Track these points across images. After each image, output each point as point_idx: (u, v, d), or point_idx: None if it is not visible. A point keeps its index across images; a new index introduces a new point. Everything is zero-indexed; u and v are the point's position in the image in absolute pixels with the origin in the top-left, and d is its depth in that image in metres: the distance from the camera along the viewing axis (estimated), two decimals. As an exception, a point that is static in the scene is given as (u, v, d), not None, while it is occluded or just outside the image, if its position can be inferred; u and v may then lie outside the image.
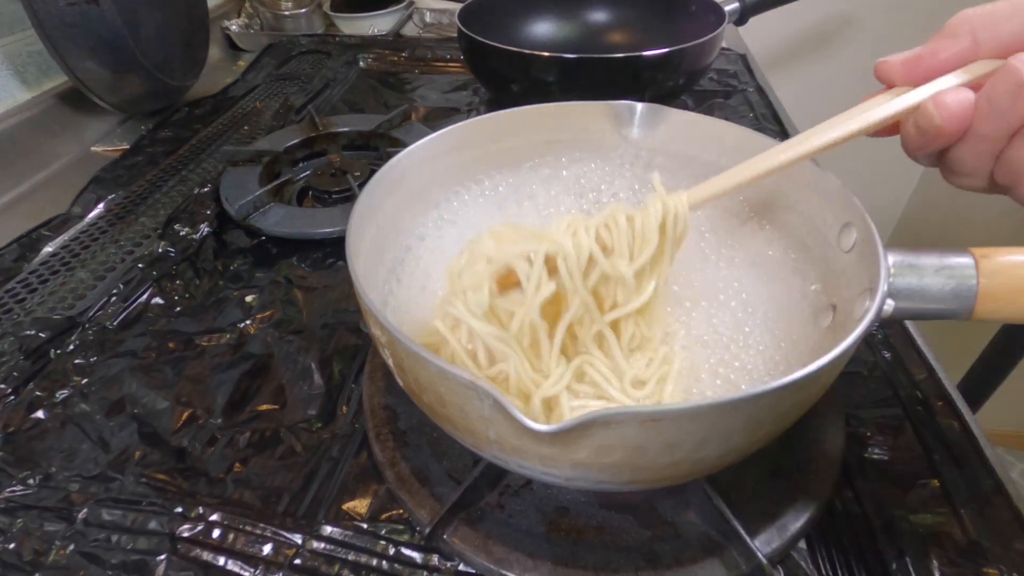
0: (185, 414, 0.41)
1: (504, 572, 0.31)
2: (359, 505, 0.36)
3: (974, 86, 0.28)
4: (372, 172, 0.48)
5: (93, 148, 0.75)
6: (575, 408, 0.30)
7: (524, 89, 0.69)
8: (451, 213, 0.43)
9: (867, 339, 0.45)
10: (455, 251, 0.40)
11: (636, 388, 0.32)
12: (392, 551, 0.33)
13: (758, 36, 0.98)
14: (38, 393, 0.43)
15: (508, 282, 0.31)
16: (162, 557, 0.33)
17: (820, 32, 1.29)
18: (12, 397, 0.42)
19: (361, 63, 0.95)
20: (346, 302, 0.50)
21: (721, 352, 0.37)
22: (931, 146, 0.29)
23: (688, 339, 0.37)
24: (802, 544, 0.33)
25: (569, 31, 0.87)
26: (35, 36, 0.65)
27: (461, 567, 0.32)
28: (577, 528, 0.33)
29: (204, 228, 0.58)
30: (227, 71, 0.96)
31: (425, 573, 0.32)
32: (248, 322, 0.48)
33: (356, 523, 0.34)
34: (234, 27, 1.05)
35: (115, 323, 0.48)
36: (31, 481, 0.37)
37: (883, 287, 0.27)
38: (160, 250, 0.55)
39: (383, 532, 0.34)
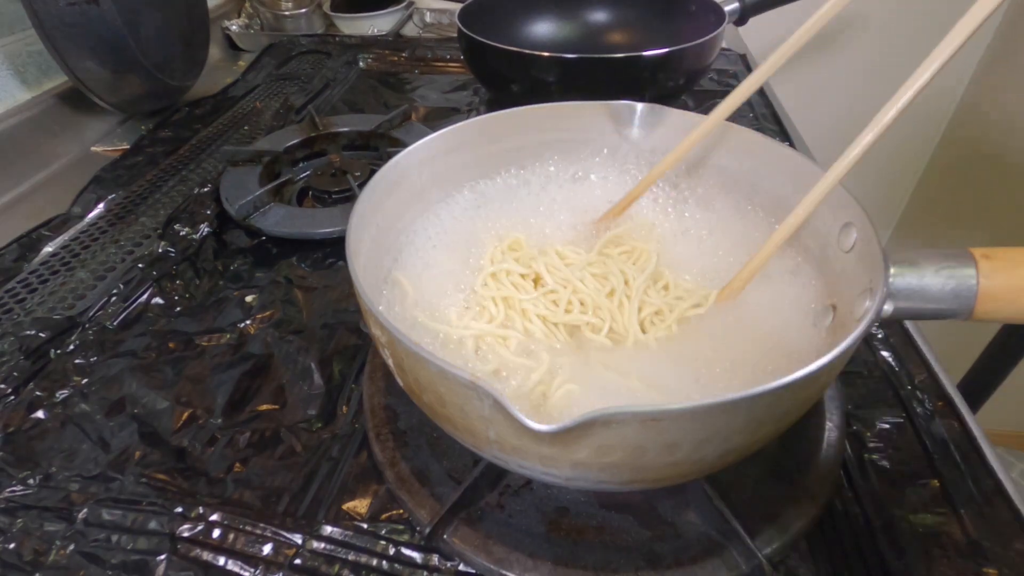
0: (185, 414, 0.41)
1: (504, 572, 0.31)
2: (359, 505, 0.36)
3: None
4: (372, 172, 0.48)
5: (93, 148, 0.75)
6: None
7: (524, 89, 0.69)
8: (451, 213, 0.43)
9: (867, 339, 0.45)
10: (455, 251, 0.40)
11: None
12: (392, 551, 0.33)
13: (758, 36, 0.98)
14: (38, 393, 0.43)
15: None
16: (162, 557, 0.33)
17: (820, 32, 1.29)
18: (12, 397, 0.42)
19: (361, 63, 0.95)
20: (346, 302, 0.50)
21: (721, 351, 0.37)
22: None
23: (687, 338, 0.37)
24: (802, 544, 0.33)
25: (569, 31, 0.87)
26: (35, 36, 0.65)
27: (461, 567, 0.32)
28: (577, 528, 0.33)
29: (204, 228, 0.58)
30: (227, 71, 0.96)
31: (425, 573, 0.32)
32: (248, 322, 0.48)
33: (356, 523, 0.34)
34: (234, 27, 1.05)
35: (115, 323, 0.48)
36: (31, 481, 0.37)
37: (883, 287, 0.27)
38: (160, 250, 0.55)
39: (383, 532, 0.34)
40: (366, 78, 0.91)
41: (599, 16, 0.87)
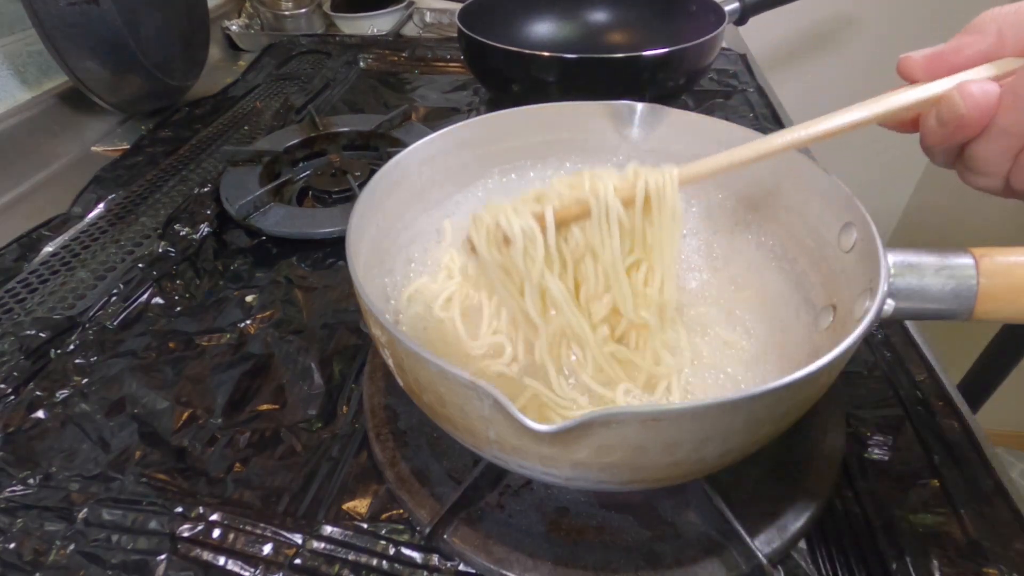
0: (185, 414, 0.41)
1: (504, 572, 0.31)
2: (359, 505, 0.36)
3: (998, 82, 0.27)
4: (372, 172, 0.48)
5: (93, 148, 0.75)
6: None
7: (524, 89, 0.69)
8: (451, 213, 0.43)
9: (867, 339, 0.45)
10: (455, 251, 0.40)
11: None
12: (392, 551, 0.33)
13: (758, 36, 0.98)
14: (38, 393, 0.43)
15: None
16: (162, 557, 0.33)
17: (820, 32, 1.29)
18: (12, 397, 0.42)
19: (361, 63, 0.95)
20: (346, 302, 0.50)
21: (721, 351, 0.37)
22: (952, 139, 0.29)
23: (687, 338, 0.37)
24: (802, 544, 0.33)
25: (569, 31, 0.87)
26: (35, 36, 0.65)
27: (461, 567, 0.32)
28: (577, 528, 0.33)
29: (204, 228, 0.58)
30: (227, 71, 0.96)
31: (425, 573, 0.32)
32: (248, 322, 0.48)
33: (356, 523, 0.34)
34: (234, 27, 1.05)
35: (115, 323, 0.48)
36: (31, 481, 0.37)
37: (883, 287, 0.27)
38: (160, 250, 0.55)
39: (383, 532, 0.34)
40: (366, 78, 0.91)
41: (599, 16, 0.87)
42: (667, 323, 0.35)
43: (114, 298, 0.50)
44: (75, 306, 0.50)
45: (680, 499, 0.34)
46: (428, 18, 1.12)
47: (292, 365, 0.45)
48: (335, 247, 0.56)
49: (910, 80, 0.30)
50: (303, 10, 1.07)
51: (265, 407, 0.42)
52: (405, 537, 0.34)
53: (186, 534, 0.34)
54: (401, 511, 0.35)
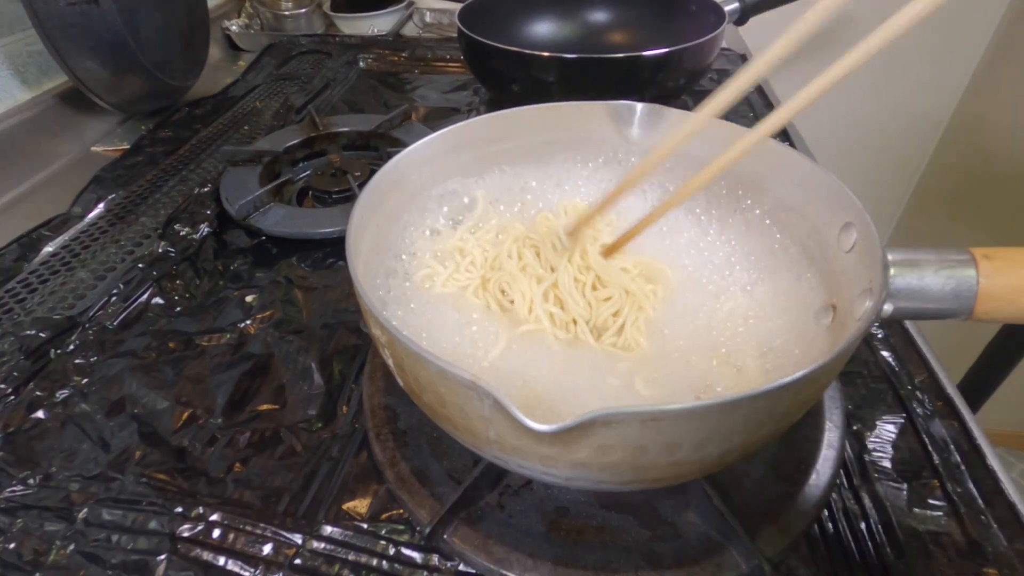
0: (185, 414, 0.41)
1: (504, 572, 0.31)
2: (359, 505, 0.36)
3: None
4: (372, 172, 0.48)
5: (93, 148, 0.75)
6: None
7: (524, 89, 0.69)
8: (451, 213, 0.43)
9: (867, 339, 0.45)
10: (453, 247, 0.40)
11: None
12: (392, 551, 0.33)
13: (758, 36, 0.98)
14: (38, 393, 0.43)
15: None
16: (162, 557, 0.33)
17: (820, 32, 1.29)
18: (12, 397, 0.42)
19: (361, 63, 0.95)
20: (346, 302, 0.50)
21: (720, 351, 0.37)
22: None
23: (687, 339, 0.37)
24: (802, 544, 0.33)
25: (569, 31, 0.87)
26: (35, 36, 0.65)
27: (461, 567, 0.32)
28: (577, 528, 0.33)
29: (204, 228, 0.58)
30: (227, 71, 0.96)
31: (425, 573, 0.32)
32: (248, 322, 0.48)
33: (356, 523, 0.34)
34: (234, 27, 1.05)
35: (115, 323, 0.48)
36: (31, 481, 0.37)
37: (883, 287, 0.27)
38: (160, 250, 0.55)
39: (383, 532, 0.34)
40: (366, 78, 0.91)
41: (599, 16, 0.87)
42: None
43: (114, 298, 0.50)
44: (75, 306, 0.50)
45: (680, 499, 0.34)
46: (428, 18, 1.12)
47: (292, 365, 0.45)
48: (335, 247, 0.56)
49: None
50: (303, 10, 1.07)
51: (265, 407, 0.42)
52: (405, 537, 0.34)
53: (186, 534, 0.34)
54: (401, 511, 0.35)
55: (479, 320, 0.36)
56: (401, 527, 0.34)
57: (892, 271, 0.28)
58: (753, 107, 0.77)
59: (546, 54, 0.64)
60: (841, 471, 0.36)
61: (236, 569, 0.33)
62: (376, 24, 1.07)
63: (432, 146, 0.40)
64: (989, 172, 1.26)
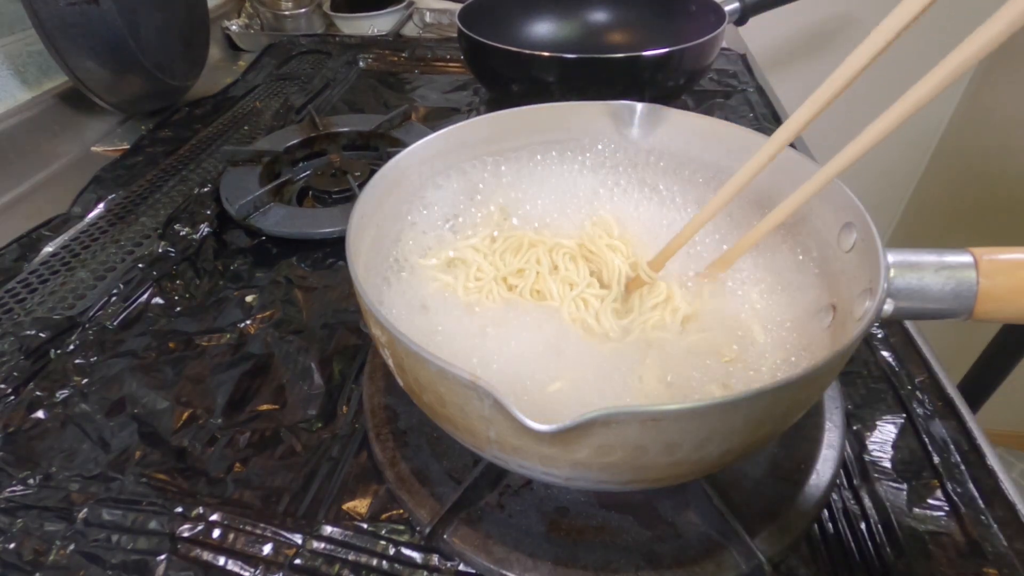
0: (185, 414, 0.41)
1: (504, 572, 0.31)
2: (359, 505, 0.36)
3: None
4: (372, 172, 0.48)
5: (93, 148, 0.75)
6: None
7: (524, 89, 0.69)
8: (450, 214, 0.43)
9: (867, 339, 0.45)
10: (455, 252, 0.40)
11: None
12: (392, 551, 0.33)
13: (758, 36, 0.98)
14: (38, 393, 0.43)
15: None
16: (162, 557, 0.33)
17: (820, 32, 1.29)
18: (12, 397, 0.42)
19: (361, 63, 0.95)
20: (346, 302, 0.50)
21: (720, 351, 0.37)
22: None
23: (688, 341, 0.37)
24: (802, 544, 0.33)
25: (569, 31, 0.87)
26: (35, 36, 0.65)
27: (461, 567, 0.32)
28: (577, 528, 0.33)
29: (204, 228, 0.58)
30: (227, 71, 0.96)
31: (425, 573, 0.32)
32: (248, 322, 0.48)
33: (356, 523, 0.34)
34: (234, 27, 1.05)
35: (115, 323, 0.48)
36: (31, 481, 0.37)
37: (883, 287, 0.27)
38: (160, 250, 0.55)
39: (383, 532, 0.34)
40: (366, 78, 0.91)
41: (599, 16, 0.87)
42: None
43: (114, 298, 0.50)
44: (75, 306, 0.50)
45: (680, 499, 0.34)
46: (428, 18, 1.12)
47: (292, 365, 0.45)
48: (335, 247, 0.56)
49: None
50: (303, 10, 1.07)
51: (265, 407, 0.42)
52: (405, 537, 0.34)
53: (186, 534, 0.34)
54: (401, 511, 0.35)
55: (483, 320, 0.36)
56: (401, 527, 0.34)
57: (892, 271, 0.28)
58: (753, 107, 0.77)
59: (546, 54, 0.64)
60: (841, 471, 0.36)
61: (236, 569, 0.33)
62: (376, 24, 1.07)
63: (432, 146, 0.40)
64: (989, 172, 1.26)
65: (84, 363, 0.45)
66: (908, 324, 0.45)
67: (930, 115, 1.34)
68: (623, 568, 0.31)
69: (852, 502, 0.35)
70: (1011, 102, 1.20)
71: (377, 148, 0.71)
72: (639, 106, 0.42)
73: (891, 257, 0.28)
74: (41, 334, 0.46)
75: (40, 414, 0.41)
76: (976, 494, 0.35)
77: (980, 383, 0.91)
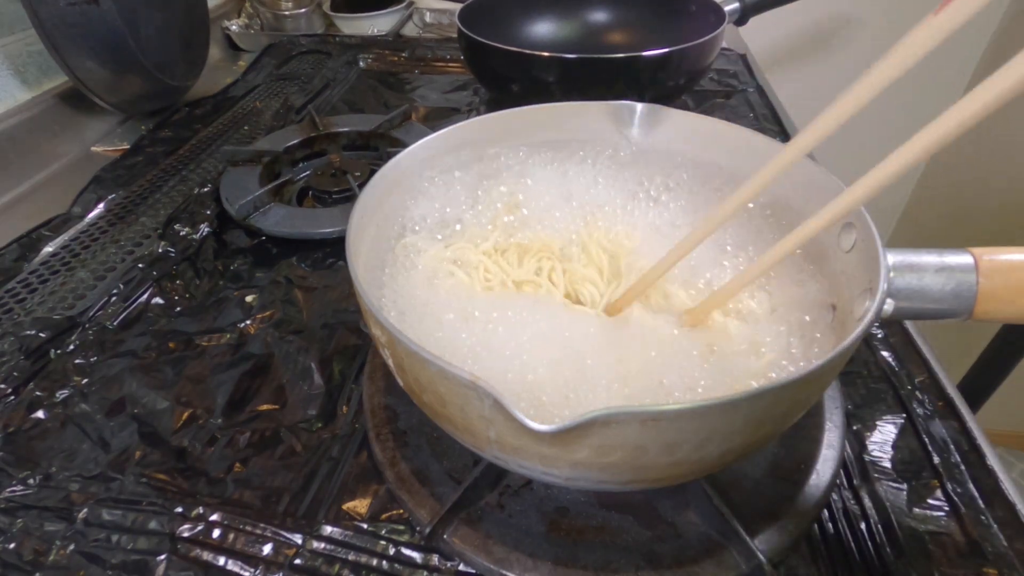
0: (185, 414, 0.41)
1: (504, 572, 0.31)
2: (359, 505, 0.36)
3: None
4: (372, 172, 0.48)
5: (93, 148, 0.75)
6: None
7: (524, 89, 0.69)
8: (451, 213, 0.43)
9: (867, 339, 0.45)
10: (455, 252, 0.40)
11: None
12: (392, 551, 0.33)
13: (758, 36, 0.98)
14: (38, 393, 0.43)
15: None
16: (162, 557, 0.33)
17: (820, 32, 1.29)
18: (12, 397, 0.42)
19: (361, 63, 0.95)
20: (346, 302, 0.50)
21: (719, 350, 0.37)
22: None
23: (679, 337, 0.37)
24: (802, 544, 0.33)
25: (569, 31, 0.87)
26: (35, 36, 0.65)
27: (461, 567, 0.32)
28: (577, 528, 0.33)
29: (204, 228, 0.58)
30: (227, 71, 0.96)
31: (425, 573, 0.32)
32: (248, 322, 0.48)
33: (356, 523, 0.34)
34: (234, 27, 1.05)
35: (115, 323, 0.48)
36: (31, 481, 0.37)
37: (883, 287, 0.27)
38: (160, 250, 0.55)
39: (383, 532, 0.34)
40: (366, 78, 0.91)
41: (599, 16, 0.87)
42: None
43: (114, 298, 0.50)
44: (75, 306, 0.50)
45: (680, 499, 0.34)
46: (428, 18, 1.12)
47: (292, 365, 0.45)
48: (335, 247, 0.56)
49: None
50: (303, 10, 1.07)
51: (265, 407, 0.42)
52: (405, 537, 0.34)
53: (186, 534, 0.34)
54: (401, 511, 0.35)
55: (485, 320, 0.36)
56: (401, 527, 0.34)
57: (892, 271, 0.28)
58: (753, 108, 0.77)
59: (546, 54, 0.64)
60: (841, 471, 0.36)
61: (236, 569, 0.33)
62: (376, 24, 1.07)
63: (432, 146, 0.40)
64: (989, 172, 1.26)
65: (84, 363, 0.45)
66: (908, 324, 0.45)
67: (930, 114, 1.34)
68: (623, 568, 0.31)
69: (852, 502, 0.35)
70: (1011, 102, 1.20)
71: (377, 148, 0.71)
72: (639, 106, 0.42)
73: (891, 257, 0.28)
74: (41, 334, 0.46)
75: (40, 414, 0.41)
76: (976, 494, 0.35)
77: (980, 383, 0.91)
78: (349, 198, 0.62)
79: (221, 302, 0.51)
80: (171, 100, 0.83)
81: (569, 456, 0.25)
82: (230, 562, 0.33)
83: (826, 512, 0.34)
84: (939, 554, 0.32)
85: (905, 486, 0.35)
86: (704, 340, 0.36)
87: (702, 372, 0.34)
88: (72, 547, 0.34)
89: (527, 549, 0.32)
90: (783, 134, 0.71)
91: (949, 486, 0.35)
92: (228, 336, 0.47)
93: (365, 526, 0.34)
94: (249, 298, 0.51)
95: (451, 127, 0.41)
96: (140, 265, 0.54)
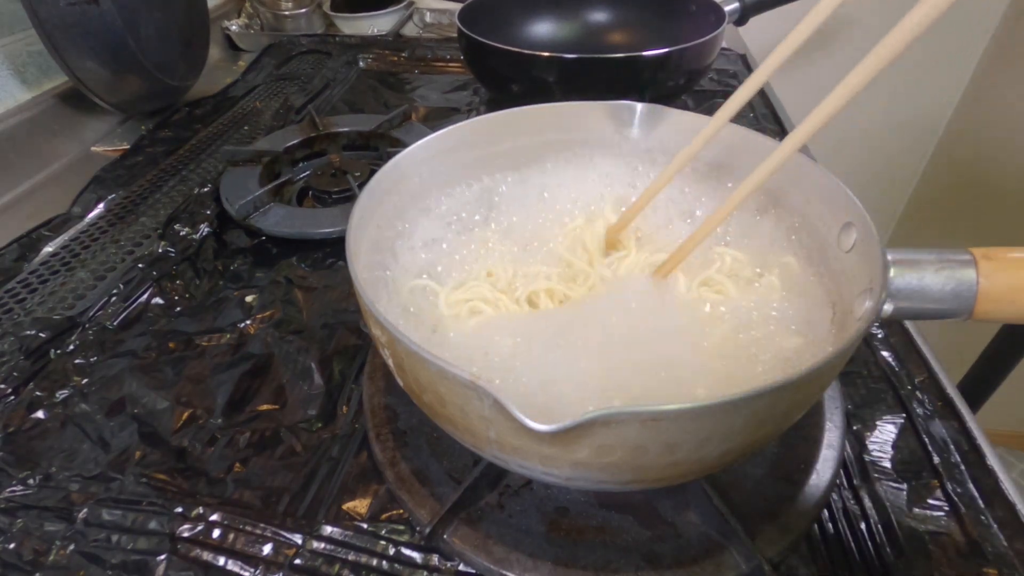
0: (185, 414, 0.41)
1: (504, 572, 0.31)
2: (359, 505, 0.36)
3: None
4: (372, 172, 0.48)
5: (93, 148, 0.75)
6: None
7: (524, 89, 0.69)
8: (451, 213, 0.43)
9: (867, 339, 0.45)
10: (454, 252, 0.41)
11: None
12: (392, 551, 0.33)
13: (758, 36, 0.98)
14: (38, 393, 0.43)
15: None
16: (162, 557, 0.33)
17: (820, 32, 1.29)
18: (12, 397, 0.42)
19: (361, 63, 0.95)
20: (346, 302, 0.50)
21: (719, 350, 0.37)
22: None
23: (676, 334, 0.37)
24: (802, 544, 0.33)
25: (569, 31, 0.87)
26: (35, 36, 0.65)
27: (461, 567, 0.32)
28: (577, 528, 0.33)
29: (204, 228, 0.58)
30: (227, 71, 0.96)
31: (425, 573, 0.32)
32: (248, 322, 0.48)
33: (356, 523, 0.34)
34: (234, 27, 1.05)
35: (115, 323, 0.48)
36: (31, 481, 0.37)
37: (883, 287, 0.27)
38: (160, 250, 0.55)
39: (383, 532, 0.34)
40: (366, 78, 0.91)
41: (599, 16, 0.87)
42: None
43: (114, 298, 0.50)
44: (75, 306, 0.50)
45: (680, 499, 0.34)
46: (428, 18, 1.12)
47: (292, 365, 0.45)
48: (335, 247, 0.56)
49: None
50: (303, 10, 1.07)
51: (265, 407, 0.42)
52: (405, 537, 0.34)
53: (186, 534, 0.34)
54: (401, 511, 0.35)
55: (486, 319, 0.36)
56: (401, 527, 0.34)
57: (892, 271, 0.28)
58: (753, 107, 0.77)
59: (546, 54, 0.64)
60: (841, 471, 0.36)
61: (236, 569, 0.33)
62: (376, 24, 1.07)
63: (432, 146, 0.40)
64: (989, 172, 1.26)
65: (84, 363, 0.45)
66: (908, 324, 0.45)
67: (930, 114, 1.34)
68: (623, 568, 0.31)
69: (852, 502, 0.35)
70: (1011, 101, 1.20)
71: (377, 148, 0.71)
72: (639, 106, 0.42)
73: (891, 257, 0.28)
74: (41, 334, 0.46)
75: (40, 414, 0.41)
76: (976, 494, 0.35)
77: (980, 383, 0.91)
78: (349, 198, 0.62)
79: (221, 302, 0.51)
80: (171, 100, 0.83)
81: (569, 456, 0.25)
82: (230, 562, 0.33)
83: (826, 512, 0.34)
84: (939, 554, 0.32)
85: (905, 486, 0.35)
86: (704, 340, 0.36)
87: (701, 374, 0.34)
88: (72, 547, 0.34)
89: (527, 549, 0.32)
90: (783, 134, 0.71)
91: (949, 486, 0.35)
92: (228, 336, 0.47)
93: (365, 526, 0.34)
94: (249, 298, 0.51)
95: (451, 127, 0.41)
96: (140, 265, 0.54)
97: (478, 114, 0.60)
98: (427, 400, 0.28)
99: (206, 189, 0.63)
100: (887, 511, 0.34)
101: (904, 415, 0.39)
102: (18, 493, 0.36)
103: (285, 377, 0.44)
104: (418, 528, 0.34)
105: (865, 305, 0.27)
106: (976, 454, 0.37)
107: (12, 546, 0.34)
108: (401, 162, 0.38)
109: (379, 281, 0.37)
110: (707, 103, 0.79)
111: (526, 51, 0.65)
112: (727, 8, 0.75)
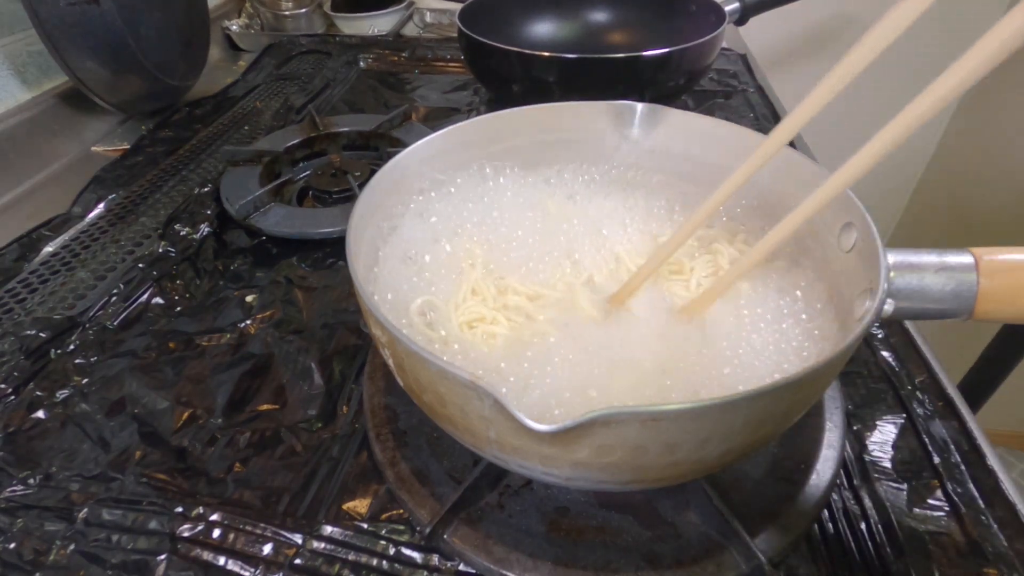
0: (185, 414, 0.41)
1: (504, 572, 0.31)
2: (359, 505, 0.36)
3: None
4: (372, 172, 0.48)
5: (93, 148, 0.75)
6: None
7: (524, 89, 0.69)
8: (451, 213, 0.43)
9: (867, 339, 0.45)
10: (455, 252, 0.40)
11: None
12: (392, 551, 0.33)
13: (758, 36, 0.98)
14: (38, 393, 0.43)
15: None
16: (162, 557, 0.33)
17: (820, 32, 1.29)
18: (12, 397, 0.42)
19: (361, 63, 0.95)
20: (346, 302, 0.50)
21: (719, 350, 0.36)
22: None
23: (677, 335, 0.37)
24: (802, 544, 0.33)
25: (569, 31, 0.87)
26: (35, 36, 0.65)
27: (461, 567, 0.32)
28: (577, 528, 0.33)
29: (204, 228, 0.58)
30: (227, 71, 0.96)
31: (425, 573, 0.32)
32: (248, 322, 0.48)
33: (356, 523, 0.34)
34: (234, 27, 1.05)
35: (115, 323, 0.48)
36: (31, 481, 0.37)
37: (883, 287, 0.27)
38: (160, 250, 0.55)
39: (383, 532, 0.34)
40: (366, 78, 0.91)
41: (599, 16, 0.87)
42: None
43: (114, 298, 0.50)
44: (75, 306, 0.50)
45: (680, 499, 0.34)
46: (428, 18, 1.12)
47: (292, 365, 0.45)
48: (335, 247, 0.56)
49: None
50: (303, 10, 1.07)
51: (265, 407, 0.42)
52: (405, 537, 0.34)
53: (186, 534, 0.34)
54: (401, 511, 0.35)
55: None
56: (401, 527, 0.34)
57: (892, 271, 0.28)
58: (753, 107, 0.77)
59: (546, 54, 0.64)
60: (841, 471, 0.36)
61: (236, 569, 0.33)
62: (376, 24, 1.07)
63: (432, 146, 0.40)
64: (989, 172, 1.26)
65: (84, 363, 0.45)
66: (908, 324, 0.45)
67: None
68: (623, 568, 0.31)
69: (852, 502, 0.35)
70: (1011, 102, 1.20)
71: (377, 148, 0.71)
72: (639, 106, 0.42)
73: (891, 257, 0.28)
74: (41, 334, 0.46)
75: (40, 414, 0.41)
76: (976, 494, 0.35)
77: (980, 383, 0.91)
78: (349, 198, 0.62)
79: (221, 302, 0.51)
80: (171, 100, 0.83)
81: (569, 456, 0.25)
82: (230, 562, 0.33)
83: (826, 512, 0.34)
84: (939, 554, 0.32)
85: (905, 486, 0.35)
86: (703, 340, 0.36)
87: (701, 374, 0.34)
88: (72, 547, 0.34)
89: (527, 549, 0.32)
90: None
91: (949, 486, 0.35)
92: (228, 336, 0.47)
93: (365, 526, 0.34)
94: (249, 298, 0.51)
95: (451, 127, 0.41)
96: (140, 265, 0.54)
97: (478, 114, 0.60)
98: (427, 400, 0.28)
99: (206, 189, 0.63)
100: (887, 511, 0.34)
101: (904, 415, 0.39)
102: (18, 493, 0.36)
103: (285, 377, 0.44)
104: (418, 528, 0.34)
105: (865, 305, 0.27)
106: (976, 454, 0.37)
107: (12, 546, 0.34)
108: (401, 162, 0.38)
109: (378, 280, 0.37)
110: (707, 103, 0.79)
111: (526, 51, 0.65)
112: (727, 8, 0.75)
